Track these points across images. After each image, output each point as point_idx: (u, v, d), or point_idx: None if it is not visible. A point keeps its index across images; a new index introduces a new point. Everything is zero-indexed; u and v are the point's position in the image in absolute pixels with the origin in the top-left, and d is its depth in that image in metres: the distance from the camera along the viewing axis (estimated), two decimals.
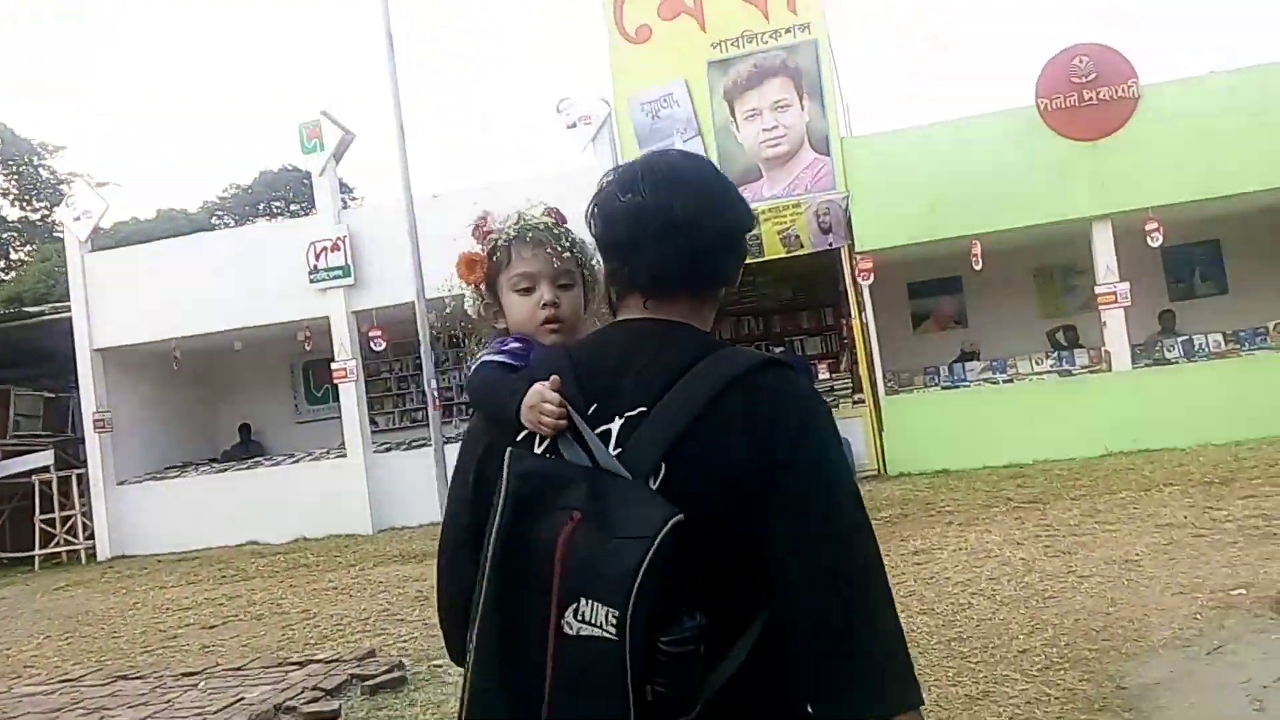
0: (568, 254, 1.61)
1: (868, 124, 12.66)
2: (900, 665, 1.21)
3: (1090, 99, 11.29)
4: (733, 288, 1.44)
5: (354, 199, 28.59)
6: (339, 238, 13.18)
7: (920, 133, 11.93)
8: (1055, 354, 12.32)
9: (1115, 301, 11.34)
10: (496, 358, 1.53)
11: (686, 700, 1.13)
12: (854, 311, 11.97)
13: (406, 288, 11.37)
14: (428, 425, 12.14)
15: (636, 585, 1.07)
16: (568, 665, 1.10)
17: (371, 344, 12.97)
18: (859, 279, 11.73)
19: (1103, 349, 11.81)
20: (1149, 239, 11.20)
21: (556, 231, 1.64)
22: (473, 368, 1.55)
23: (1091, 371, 11.68)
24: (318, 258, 13.21)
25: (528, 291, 1.60)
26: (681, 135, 12.27)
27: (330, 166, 13.46)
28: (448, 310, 1.74)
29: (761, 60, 12.12)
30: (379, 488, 13.12)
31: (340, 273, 13.25)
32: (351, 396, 13.34)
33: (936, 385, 12.31)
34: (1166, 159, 11.11)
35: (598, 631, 1.08)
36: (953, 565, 6.63)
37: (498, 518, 1.16)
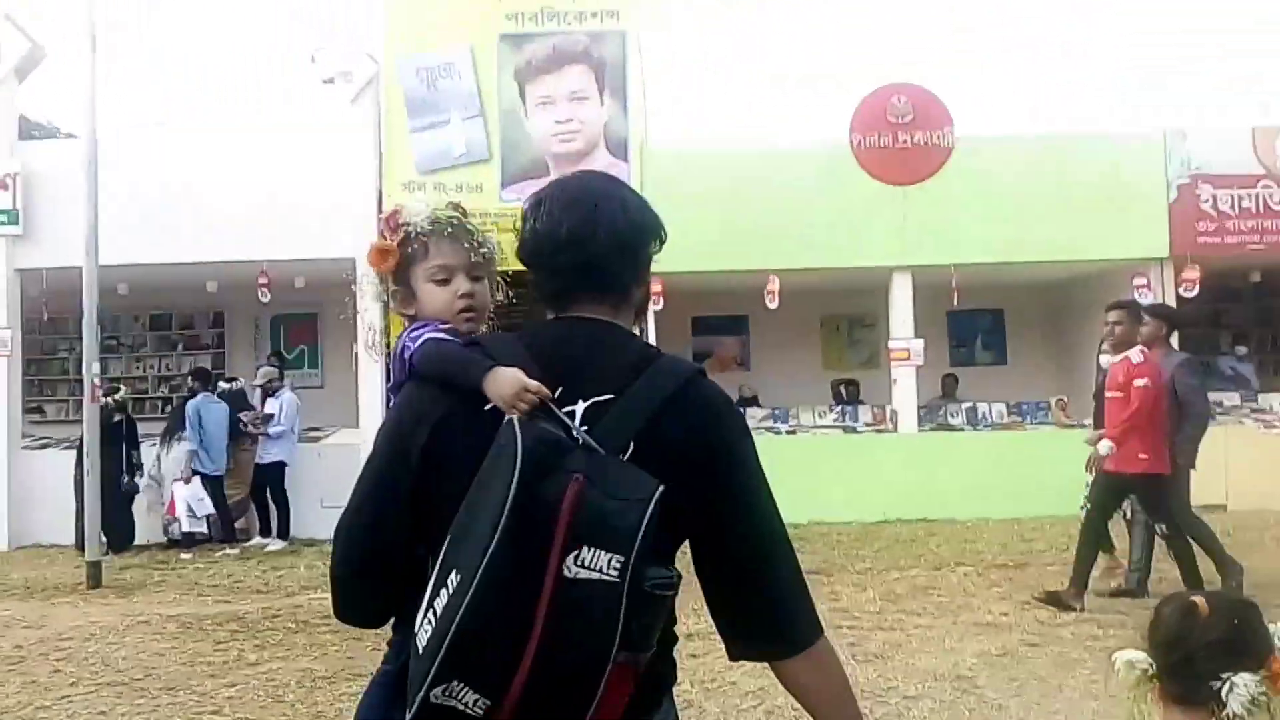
0: (482, 248, 1.77)
1: (669, 136, 11.04)
2: (808, 610, 1.49)
3: (905, 142, 10.57)
4: (644, 289, 1.62)
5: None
6: (7, 175, 10.34)
7: (728, 154, 10.79)
8: (839, 408, 11.46)
9: (908, 359, 10.61)
10: (438, 334, 1.66)
11: (651, 637, 1.34)
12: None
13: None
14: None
15: (640, 536, 1.27)
16: (565, 601, 1.25)
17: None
18: (647, 303, 10.33)
19: (889, 408, 11.05)
20: (953, 297, 10.54)
21: (470, 227, 1.78)
22: (417, 341, 1.64)
23: (877, 430, 10.87)
24: None
25: (444, 282, 1.74)
26: (461, 112, 10.49)
27: (9, 83, 10.62)
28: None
29: (562, 43, 10.58)
30: (23, 492, 10.34)
31: (4, 219, 10.39)
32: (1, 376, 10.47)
33: None
34: (972, 216, 10.54)
35: (598, 575, 1.25)
36: (729, 667, 5.18)
37: (516, 474, 1.27)
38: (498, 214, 10.31)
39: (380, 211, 10.52)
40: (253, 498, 10.18)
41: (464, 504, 1.34)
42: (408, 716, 1.30)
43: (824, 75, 10.31)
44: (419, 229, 1.73)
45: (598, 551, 1.25)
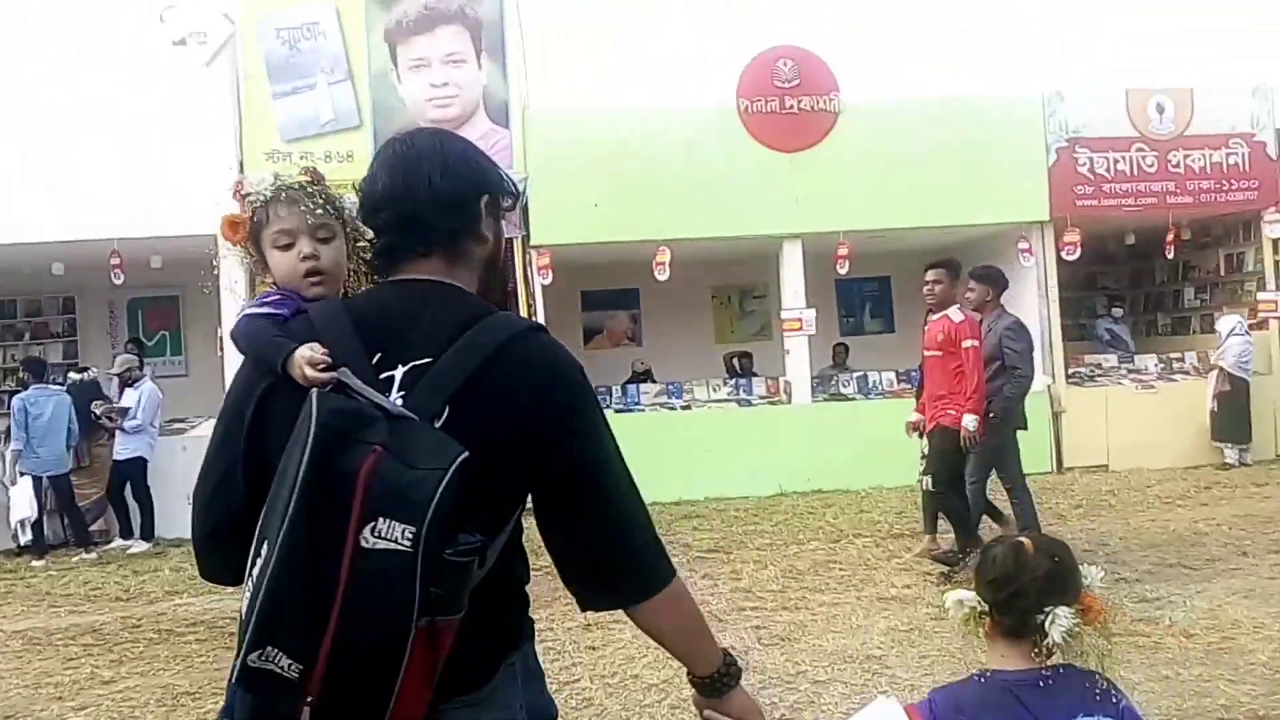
0: (321, 210, 1.69)
1: (552, 100, 10.53)
2: (659, 555, 1.51)
3: (791, 107, 10.38)
4: (481, 245, 1.61)
5: None
6: None
7: (614, 115, 10.39)
8: (733, 381, 11.30)
9: (800, 329, 10.49)
10: (258, 310, 1.64)
11: (458, 600, 1.33)
12: (524, 315, 10.12)
13: None
14: None
15: (432, 507, 1.26)
16: (362, 571, 1.26)
17: None
18: (534, 277, 9.94)
19: (782, 379, 10.94)
20: (837, 265, 10.46)
21: (311, 190, 1.71)
22: (236, 320, 1.65)
23: (771, 403, 10.75)
24: None
25: (288, 247, 1.70)
26: (327, 76, 9.81)
27: None
28: None
29: (435, 2, 9.99)
30: None
31: None
32: None
33: (608, 408, 10.78)
34: (858, 181, 10.45)
35: (393, 545, 1.26)
36: (636, 647, 4.91)
37: (308, 447, 1.28)
38: None
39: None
40: (110, 497, 9.38)
41: (276, 475, 1.35)
42: (232, 679, 1.33)
43: (713, 33, 9.96)
44: (262, 196, 1.73)
45: (392, 523, 1.26)
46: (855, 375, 11.26)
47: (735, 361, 12.27)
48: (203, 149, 9.68)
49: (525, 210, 10.00)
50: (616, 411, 10.57)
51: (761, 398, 10.90)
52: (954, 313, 6.35)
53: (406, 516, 1.26)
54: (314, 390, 1.36)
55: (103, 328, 12.22)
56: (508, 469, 1.43)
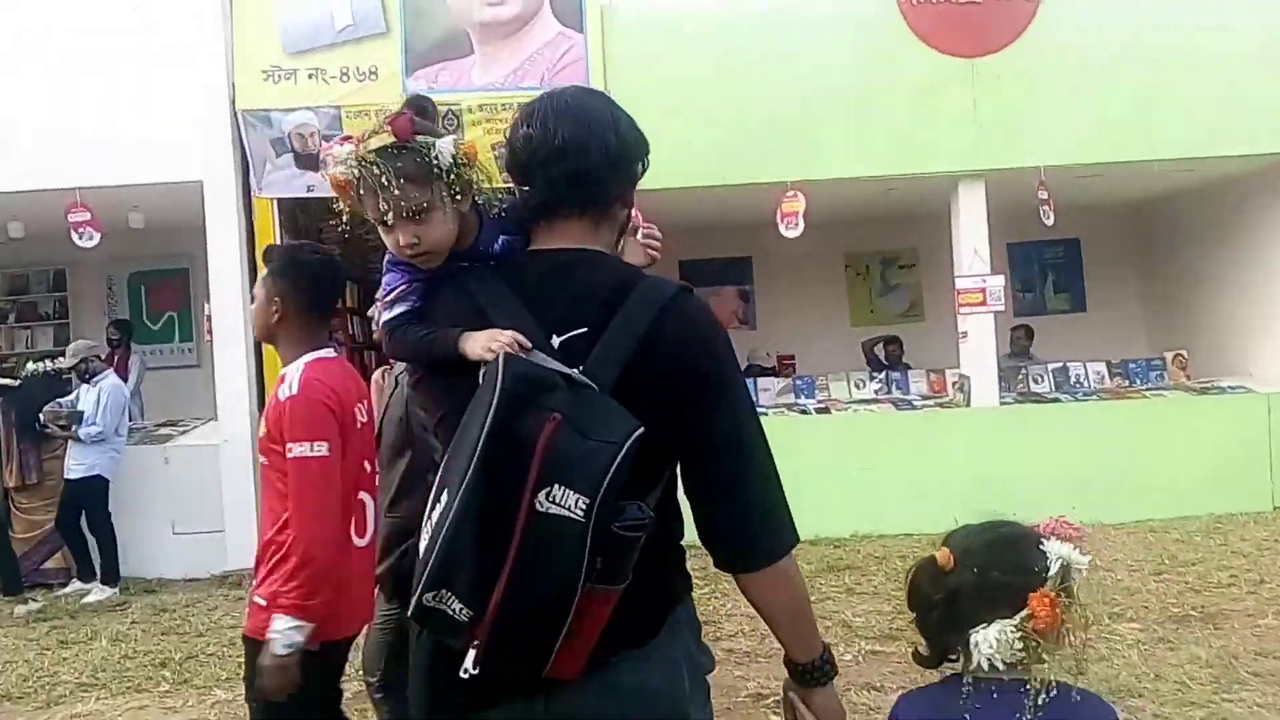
0: (411, 186, 1.49)
1: None
2: (776, 528, 1.52)
3: None
4: (624, 209, 1.63)
5: None
6: None
7: (722, 16, 7.66)
8: (881, 376, 8.48)
9: (984, 303, 7.61)
10: (394, 314, 1.60)
11: (622, 572, 1.36)
12: None
13: None
14: None
15: (607, 480, 1.29)
16: (535, 534, 1.29)
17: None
18: (628, 224, 7.30)
19: (950, 373, 8.08)
20: (1041, 213, 7.54)
21: (397, 161, 1.48)
22: (383, 324, 1.62)
23: (940, 404, 7.89)
24: None
25: (387, 228, 1.54)
26: None
27: None
28: None
29: None
30: None
31: None
32: None
33: None
34: (1066, 98, 7.53)
35: (565, 512, 1.29)
36: None
37: (492, 408, 1.31)
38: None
39: (233, 112, 7.41)
40: (59, 526, 7.12)
41: (460, 426, 1.39)
42: (408, 613, 1.38)
43: None
44: (351, 175, 1.51)
45: (566, 490, 1.29)
46: (1050, 367, 8.32)
47: (879, 349, 9.46)
48: (183, 70, 7.35)
49: None
50: None
51: (925, 398, 8.07)
52: None
53: (581, 487, 1.29)
54: (500, 355, 1.38)
55: (99, 307, 10.06)
56: (667, 436, 1.43)
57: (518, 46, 7.44)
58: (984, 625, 1.52)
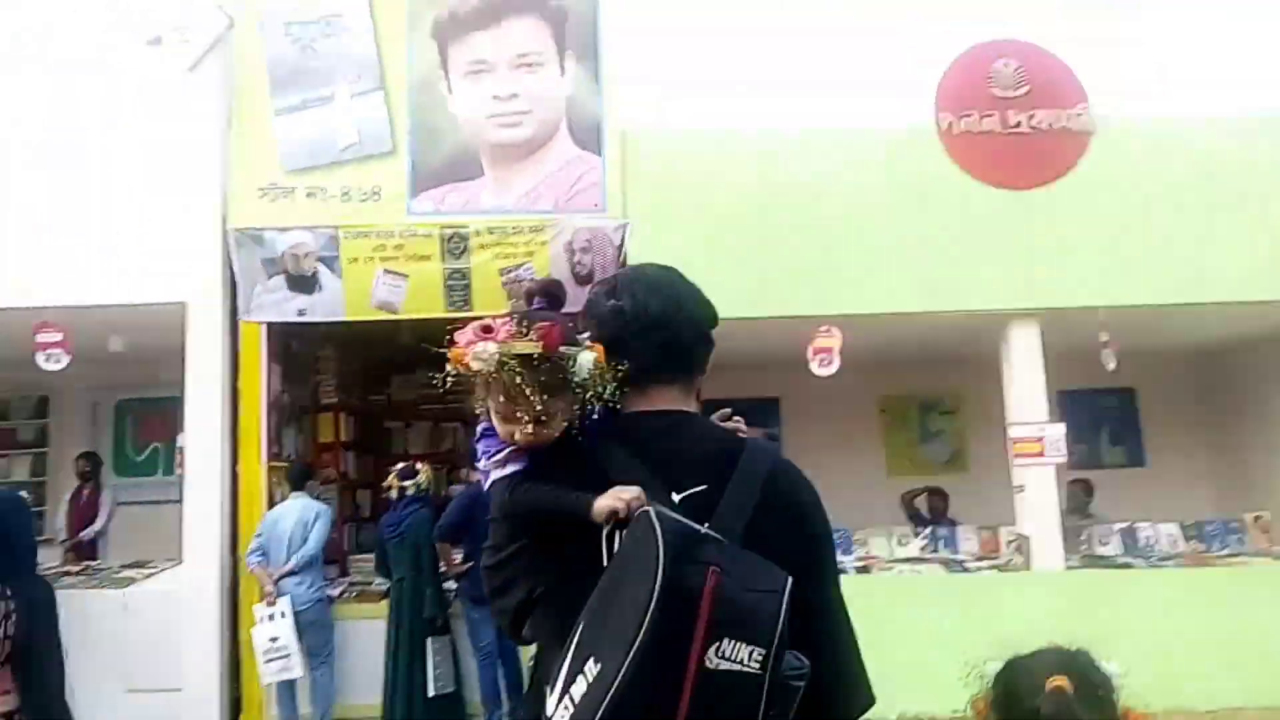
0: (548, 398, 1.52)
1: (661, 117, 7.27)
2: (860, 687, 1.57)
3: (1018, 125, 7.02)
4: (702, 376, 1.70)
5: None
6: None
7: (750, 141, 7.17)
8: (926, 532, 7.59)
9: (1041, 453, 6.79)
10: (515, 468, 1.60)
11: None
12: None
13: None
14: None
15: (779, 629, 1.29)
16: (707, 692, 1.24)
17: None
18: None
19: (1005, 531, 7.20)
20: (1104, 356, 6.81)
21: (539, 378, 1.51)
22: (493, 480, 1.62)
23: (996, 567, 6.97)
24: None
25: (504, 422, 1.58)
26: (351, 85, 7.00)
27: None
28: None
29: None
30: None
31: None
32: None
33: None
34: (1124, 234, 6.92)
35: (738, 666, 1.26)
36: None
37: (661, 564, 1.26)
38: (404, 233, 6.76)
39: (224, 231, 6.93)
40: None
41: (598, 589, 1.36)
42: None
43: (890, 27, 6.76)
44: (488, 373, 1.53)
45: (738, 644, 1.27)
46: (1117, 527, 7.41)
47: (921, 502, 8.57)
48: (177, 186, 6.92)
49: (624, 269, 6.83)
50: None
51: (977, 558, 7.16)
52: None
53: (754, 637, 1.27)
54: (651, 508, 1.37)
55: (81, 436, 9.42)
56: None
57: (532, 169, 6.98)
58: None
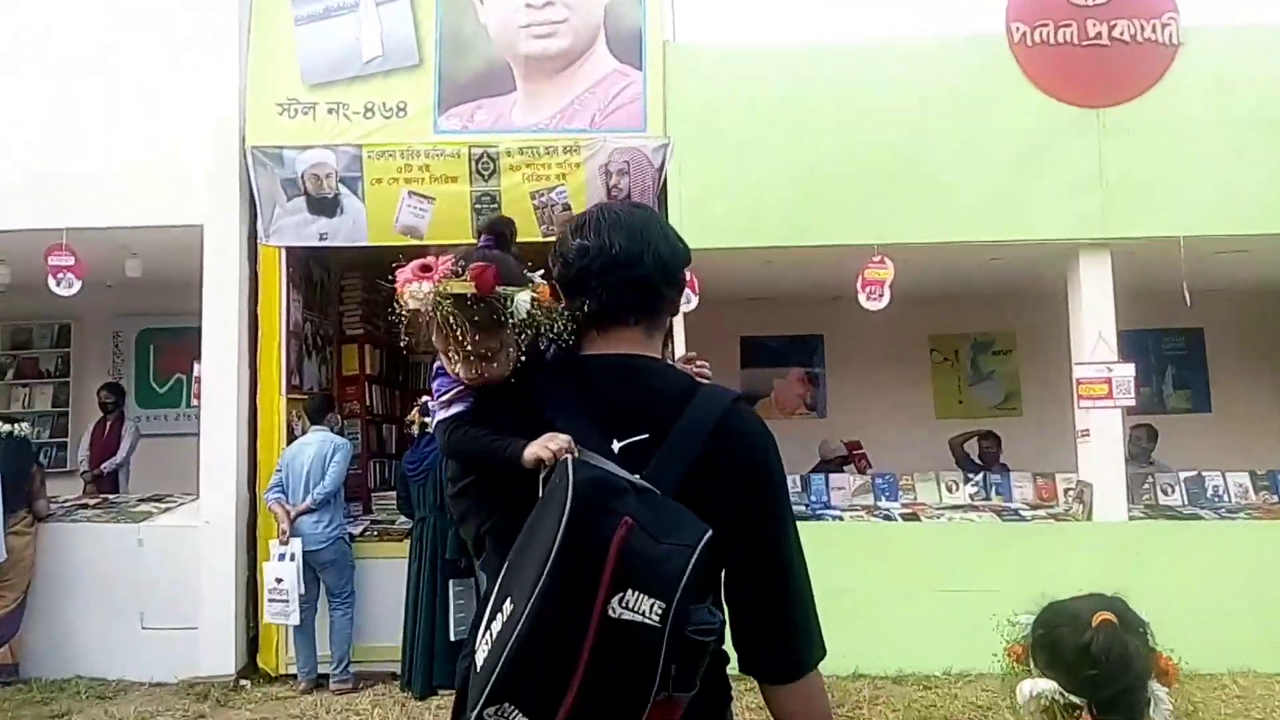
0: (482, 336, 1.52)
1: (706, 32, 6.73)
2: (808, 643, 1.54)
3: (1098, 35, 6.43)
4: (674, 316, 1.71)
5: None
6: None
7: (801, 56, 6.64)
8: (979, 478, 7.19)
9: (1109, 396, 6.32)
10: (447, 414, 1.62)
11: (694, 679, 1.33)
12: None
13: None
14: None
15: (683, 584, 1.26)
16: (607, 642, 1.25)
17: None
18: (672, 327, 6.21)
19: (1061, 479, 6.79)
20: (1185, 292, 6.28)
21: (472, 318, 1.50)
22: (439, 422, 1.64)
23: (1053, 516, 6.56)
24: None
25: (451, 361, 1.58)
26: None
27: None
28: None
29: None
30: None
31: None
32: None
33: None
34: (1208, 157, 6.35)
35: (639, 618, 1.25)
36: None
37: (566, 511, 1.28)
38: (431, 151, 6.33)
39: (243, 150, 6.54)
40: None
41: (522, 531, 1.38)
42: None
43: None
44: (426, 315, 1.54)
45: (641, 595, 1.27)
46: (1184, 475, 6.96)
47: (972, 446, 8.15)
48: (191, 105, 6.53)
49: (664, 191, 6.38)
50: (801, 518, 6.63)
51: (1032, 506, 6.75)
52: None
53: (657, 590, 1.26)
54: (569, 457, 1.38)
55: (104, 366, 9.21)
56: (723, 543, 1.40)
57: (567, 84, 6.51)
58: (1150, 685, 1.66)
